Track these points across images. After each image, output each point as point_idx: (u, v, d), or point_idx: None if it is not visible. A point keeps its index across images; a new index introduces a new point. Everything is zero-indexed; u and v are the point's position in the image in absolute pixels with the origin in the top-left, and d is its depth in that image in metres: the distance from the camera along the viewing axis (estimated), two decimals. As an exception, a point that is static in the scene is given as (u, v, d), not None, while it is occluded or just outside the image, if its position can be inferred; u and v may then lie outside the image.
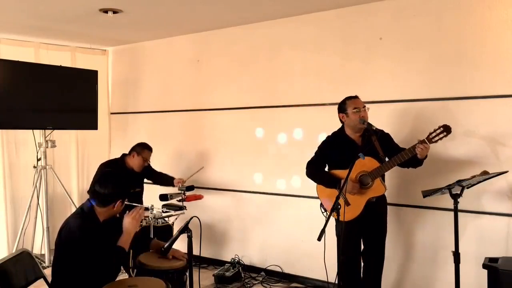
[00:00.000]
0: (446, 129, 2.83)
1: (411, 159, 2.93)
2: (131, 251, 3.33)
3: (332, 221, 2.99)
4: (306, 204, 4.05)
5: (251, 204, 4.45)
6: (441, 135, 2.84)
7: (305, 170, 3.26)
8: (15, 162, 4.94)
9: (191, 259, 2.61)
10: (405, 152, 2.91)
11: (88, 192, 2.74)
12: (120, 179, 2.60)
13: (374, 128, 2.90)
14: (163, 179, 4.30)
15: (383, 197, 3.17)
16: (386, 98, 3.63)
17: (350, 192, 2.99)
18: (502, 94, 3.17)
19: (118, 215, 2.68)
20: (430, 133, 2.87)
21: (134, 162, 4.11)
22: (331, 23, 3.89)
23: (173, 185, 4.07)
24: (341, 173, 3.02)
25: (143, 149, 4.14)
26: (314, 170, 3.20)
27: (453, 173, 3.26)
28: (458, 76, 3.34)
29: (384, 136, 3.15)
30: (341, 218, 2.65)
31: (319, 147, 3.26)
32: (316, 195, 3.26)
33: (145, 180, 4.38)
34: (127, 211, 3.63)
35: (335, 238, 3.05)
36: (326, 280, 3.15)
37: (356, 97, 3.15)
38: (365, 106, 3.08)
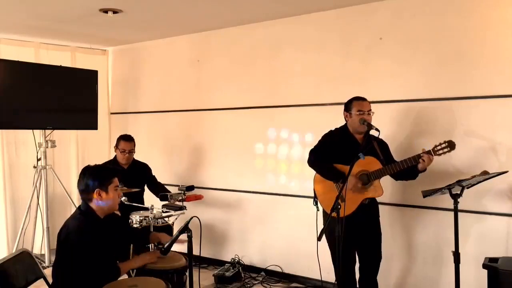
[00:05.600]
0: (451, 145, 2.86)
1: (410, 169, 2.93)
2: (131, 251, 3.34)
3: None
4: (306, 204, 4.04)
5: (251, 204, 4.45)
6: (445, 150, 2.87)
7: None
8: (15, 162, 4.94)
9: (191, 259, 2.61)
10: (409, 159, 2.91)
11: None
12: (93, 168, 2.57)
13: (374, 128, 2.89)
14: (158, 189, 4.17)
15: (374, 200, 3.17)
16: (386, 98, 3.63)
17: (350, 188, 2.98)
18: (502, 94, 3.17)
19: (119, 214, 2.67)
20: (436, 146, 2.89)
21: (118, 157, 4.17)
22: (331, 23, 3.89)
23: (166, 199, 3.82)
24: (344, 167, 3.02)
25: (118, 141, 4.19)
26: (318, 158, 3.16)
27: (453, 173, 3.27)
28: (458, 76, 3.34)
29: (382, 144, 3.17)
30: (334, 215, 2.63)
31: (322, 137, 3.24)
32: (316, 195, 3.26)
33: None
34: (131, 212, 3.64)
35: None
36: (320, 279, 3.16)
37: (364, 99, 3.12)
38: (370, 111, 3.07)
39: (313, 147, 3.24)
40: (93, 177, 2.51)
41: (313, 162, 3.19)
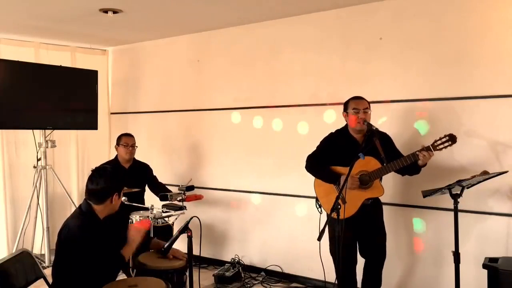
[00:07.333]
0: (452, 138, 2.84)
1: (411, 165, 2.92)
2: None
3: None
4: (306, 204, 4.05)
5: (251, 204, 4.45)
6: (446, 144, 2.85)
7: (304, 169, 3.26)
8: (15, 162, 4.93)
9: (191, 259, 2.62)
10: (407, 156, 2.90)
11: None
12: (111, 171, 2.60)
13: (374, 128, 2.89)
14: (159, 189, 4.16)
15: (377, 200, 3.17)
16: (386, 98, 3.63)
17: (349, 187, 2.96)
18: (502, 94, 3.17)
19: (118, 211, 2.67)
20: (435, 141, 2.87)
21: (121, 155, 4.18)
22: (331, 23, 3.89)
23: (166, 199, 3.81)
24: (342, 169, 3.02)
25: (119, 138, 4.23)
26: (315, 163, 3.18)
27: (453, 173, 3.26)
28: (458, 76, 3.34)
29: (385, 138, 3.14)
30: (340, 217, 2.64)
31: (321, 142, 3.25)
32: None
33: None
34: (131, 212, 3.64)
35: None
36: (324, 280, 3.16)
37: (359, 98, 3.12)
38: (366, 109, 3.06)
39: (311, 152, 3.25)
40: (115, 180, 2.56)
41: (310, 166, 3.21)
